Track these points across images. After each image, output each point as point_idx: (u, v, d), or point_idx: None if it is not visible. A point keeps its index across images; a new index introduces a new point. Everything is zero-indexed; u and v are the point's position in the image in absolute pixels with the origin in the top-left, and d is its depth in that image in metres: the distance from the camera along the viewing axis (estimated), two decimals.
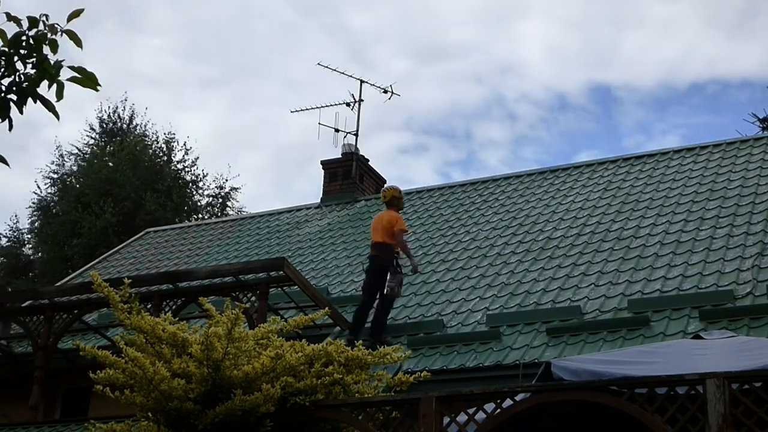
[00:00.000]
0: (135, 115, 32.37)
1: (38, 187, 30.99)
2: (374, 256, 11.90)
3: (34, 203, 31.00)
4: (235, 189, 32.02)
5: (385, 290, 11.54)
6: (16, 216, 36.55)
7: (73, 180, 30.50)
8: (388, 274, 11.58)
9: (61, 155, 31.43)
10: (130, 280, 7.93)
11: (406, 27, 53.05)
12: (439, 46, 52.50)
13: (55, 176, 31.08)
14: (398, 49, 54.27)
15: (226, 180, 32.03)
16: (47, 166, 31.71)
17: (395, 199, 12.33)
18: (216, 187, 31.79)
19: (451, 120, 55.14)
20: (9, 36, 5.04)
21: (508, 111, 55.60)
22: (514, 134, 55.55)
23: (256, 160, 48.62)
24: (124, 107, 32.46)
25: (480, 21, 53.48)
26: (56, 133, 45.06)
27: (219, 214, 30.83)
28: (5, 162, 5.23)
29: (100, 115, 32.08)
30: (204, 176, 31.66)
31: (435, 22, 52.18)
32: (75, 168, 31.12)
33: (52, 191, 30.99)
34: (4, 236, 31.59)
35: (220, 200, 31.73)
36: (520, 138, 55.90)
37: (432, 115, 53.56)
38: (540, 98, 54.62)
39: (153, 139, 31.46)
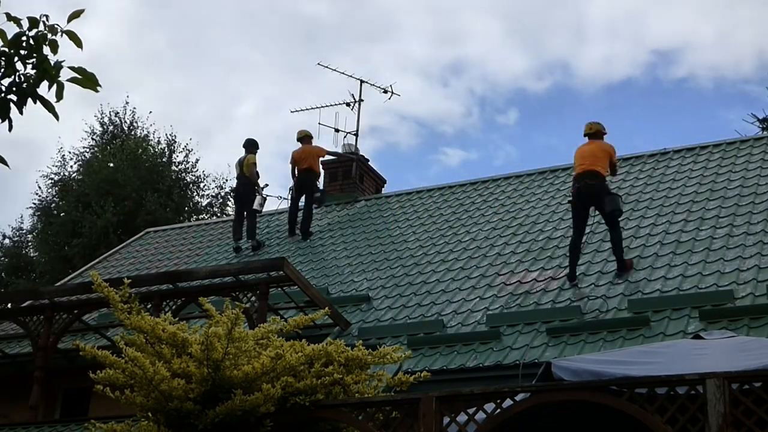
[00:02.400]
0: (136, 121, 32.44)
1: (39, 188, 31.06)
2: (590, 184, 11.71)
3: (34, 204, 31.06)
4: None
5: (606, 208, 11.68)
6: (21, 217, 36.61)
7: (74, 182, 30.50)
8: (607, 195, 11.74)
9: (63, 157, 31.52)
10: (130, 280, 7.94)
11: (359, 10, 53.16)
12: (385, 29, 52.66)
13: (56, 177, 31.12)
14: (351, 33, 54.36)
15: (226, 180, 32.09)
16: (48, 167, 31.82)
17: (600, 133, 12.37)
18: (216, 186, 31.85)
19: (404, 108, 55.18)
20: (9, 36, 5.05)
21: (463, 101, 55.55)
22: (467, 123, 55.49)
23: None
24: (125, 110, 32.55)
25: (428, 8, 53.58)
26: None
27: (219, 214, 30.84)
28: (5, 163, 5.24)
29: (100, 118, 32.15)
30: (205, 177, 31.77)
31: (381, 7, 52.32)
32: (75, 169, 31.17)
33: (53, 192, 31.02)
34: (7, 236, 31.69)
35: (220, 200, 31.75)
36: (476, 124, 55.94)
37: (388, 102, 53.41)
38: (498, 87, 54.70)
39: (155, 141, 31.51)
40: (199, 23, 52.64)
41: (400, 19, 53.50)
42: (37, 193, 30.99)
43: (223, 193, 31.76)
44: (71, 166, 31.30)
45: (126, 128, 32.16)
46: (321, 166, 17.06)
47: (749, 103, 51.47)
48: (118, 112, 32.24)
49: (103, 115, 32.08)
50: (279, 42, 52.72)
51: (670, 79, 51.30)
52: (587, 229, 12.36)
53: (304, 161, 16.51)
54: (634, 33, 51.62)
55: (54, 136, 46.87)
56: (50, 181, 31.06)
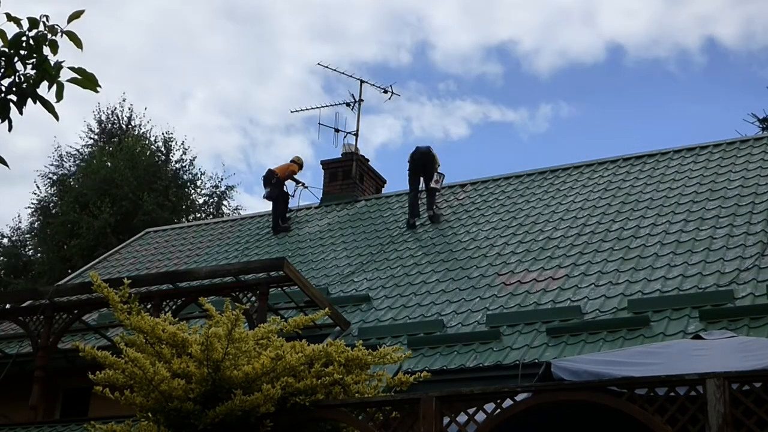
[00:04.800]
0: (133, 117, 32.49)
1: (38, 187, 31.07)
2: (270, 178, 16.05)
3: (33, 203, 31.07)
4: (231, 188, 32.16)
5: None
6: (18, 216, 36.67)
7: (72, 181, 30.53)
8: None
9: (60, 156, 31.54)
10: (129, 280, 7.95)
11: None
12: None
13: (54, 177, 31.14)
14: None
15: (221, 179, 32.19)
16: (45, 167, 31.86)
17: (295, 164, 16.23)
18: (211, 186, 31.90)
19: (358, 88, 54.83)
20: (9, 36, 5.05)
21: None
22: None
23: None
24: (122, 107, 32.59)
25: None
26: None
27: (214, 213, 30.90)
28: (5, 163, 5.24)
29: (98, 116, 32.20)
30: (202, 174, 31.83)
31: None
32: (73, 168, 31.19)
33: (51, 192, 31.03)
34: (5, 236, 31.72)
35: (216, 199, 31.80)
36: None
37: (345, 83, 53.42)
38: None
39: (152, 139, 31.52)
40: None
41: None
42: (35, 193, 31.05)
43: (218, 192, 31.86)
44: (69, 167, 31.37)
45: (123, 126, 32.22)
46: (291, 172, 17.91)
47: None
48: (114, 109, 32.34)
49: (101, 113, 32.16)
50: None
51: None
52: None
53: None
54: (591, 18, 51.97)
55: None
56: (48, 180, 31.11)
